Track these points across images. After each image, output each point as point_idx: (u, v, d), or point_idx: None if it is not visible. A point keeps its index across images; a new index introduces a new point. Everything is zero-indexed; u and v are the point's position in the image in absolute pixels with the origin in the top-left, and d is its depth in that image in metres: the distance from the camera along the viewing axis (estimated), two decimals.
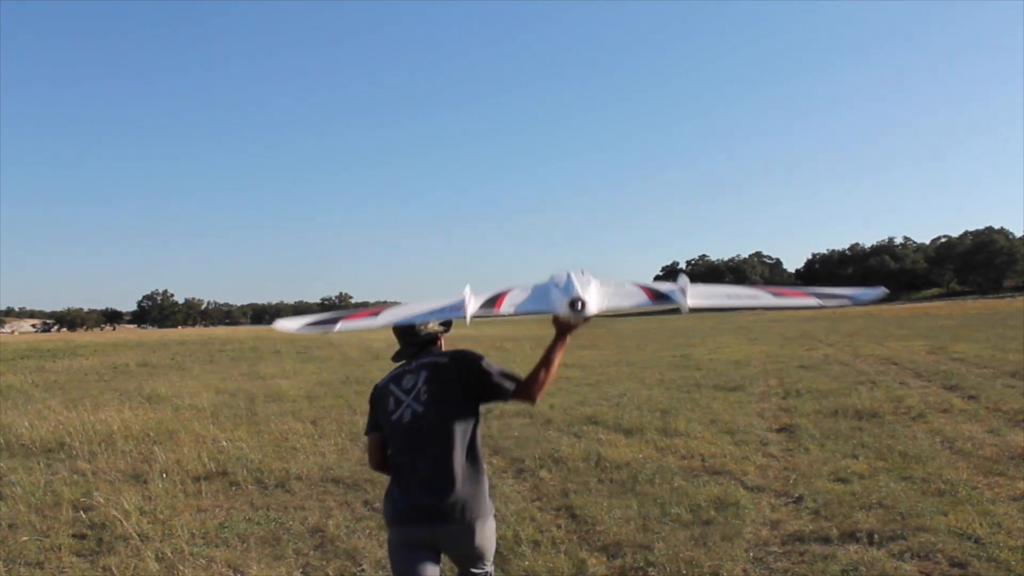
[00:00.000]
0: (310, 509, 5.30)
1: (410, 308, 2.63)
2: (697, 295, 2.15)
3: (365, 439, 2.70)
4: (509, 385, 2.49)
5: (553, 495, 5.43)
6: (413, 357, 2.62)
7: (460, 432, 2.45)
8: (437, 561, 2.50)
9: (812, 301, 2.21)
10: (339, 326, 2.53)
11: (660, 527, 4.58)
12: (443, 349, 2.67)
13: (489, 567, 2.57)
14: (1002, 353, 14.73)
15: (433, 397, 2.46)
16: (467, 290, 2.34)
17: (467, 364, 2.52)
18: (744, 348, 21.00)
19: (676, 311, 2.16)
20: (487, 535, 2.49)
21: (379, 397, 2.60)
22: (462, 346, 2.62)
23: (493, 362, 2.56)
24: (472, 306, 2.25)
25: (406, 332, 2.63)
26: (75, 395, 12.99)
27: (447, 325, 2.67)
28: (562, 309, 2.15)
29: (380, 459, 2.63)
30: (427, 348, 2.64)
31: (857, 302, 2.10)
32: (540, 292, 2.32)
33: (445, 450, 2.42)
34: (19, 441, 8.00)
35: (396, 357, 2.69)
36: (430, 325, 2.61)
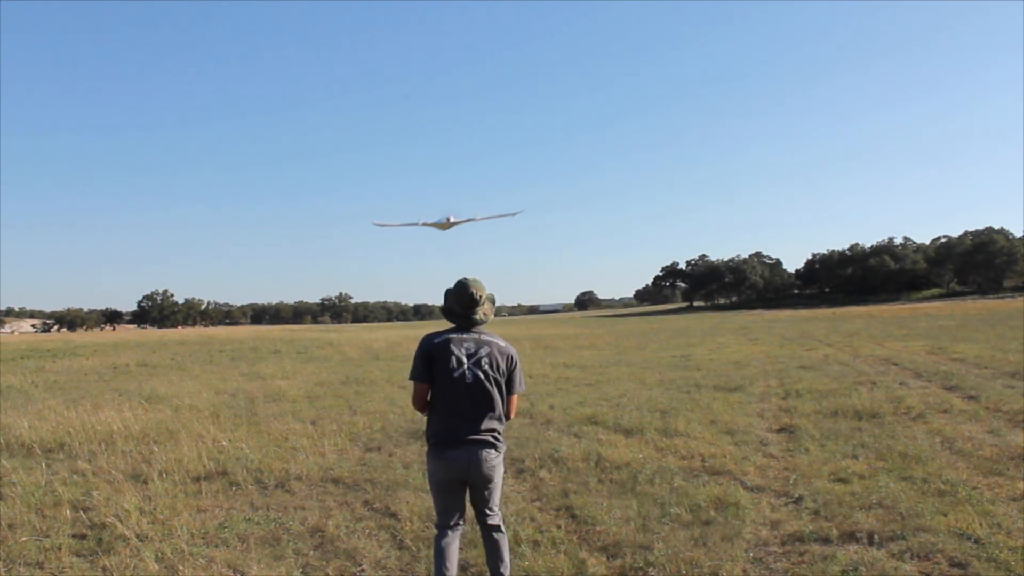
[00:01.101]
0: (310, 509, 5.29)
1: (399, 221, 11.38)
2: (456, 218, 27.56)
3: (410, 384, 3.51)
4: (515, 391, 3.52)
5: (553, 495, 5.43)
6: (466, 330, 3.45)
7: (501, 399, 3.43)
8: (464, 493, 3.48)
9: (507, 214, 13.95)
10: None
11: (660, 527, 4.58)
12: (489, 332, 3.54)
13: (498, 503, 3.52)
14: (1002, 353, 14.73)
15: (491, 371, 3.37)
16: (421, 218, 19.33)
17: (515, 362, 3.49)
18: (744, 348, 21.00)
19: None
20: (499, 468, 3.45)
21: (438, 351, 3.37)
22: None
23: (522, 371, 3.56)
24: (422, 223, 22.40)
25: (471, 306, 3.42)
26: (75, 395, 12.99)
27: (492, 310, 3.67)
28: (443, 219, 25.21)
29: (424, 403, 3.46)
30: (477, 327, 3.47)
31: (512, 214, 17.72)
32: (437, 219, 26.89)
33: (490, 407, 3.37)
34: (19, 441, 7.98)
35: (451, 319, 3.49)
36: (487, 308, 3.51)
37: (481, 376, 3.33)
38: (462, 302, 3.41)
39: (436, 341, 3.38)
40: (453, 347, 3.36)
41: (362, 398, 11.48)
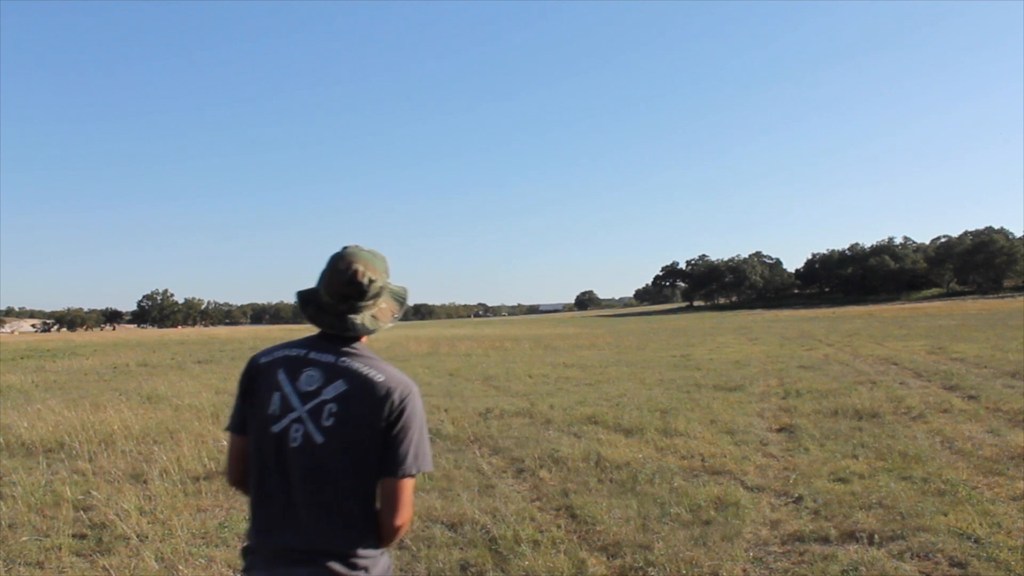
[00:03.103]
0: None
1: None
2: None
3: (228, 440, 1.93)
4: (401, 473, 1.73)
5: (553, 495, 5.42)
6: (323, 346, 1.82)
7: (361, 484, 1.74)
8: None
9: None
10: None
11: (660, 527, 4.57)
12: (369, 349, 1.86)
13: None
14: (1002, 353, 14.74)
15: (343, 426, 1.72)
16: None
17: (403, 412, 1.75)
18: (744, 348, 21.00)
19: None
20: None
21: (256, 380, 1.83)
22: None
23: (425, 431, 1.82)
24: None
25: (350, 298, 1.77)
26: (75, 395, 12.98)
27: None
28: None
29: (241, 473, 1.87)
30: (351, 341, 1.84)
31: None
32: None
33: (326, 498, 1.72)
34: (19, 441, 7.98)
35: (313, 318, 1.83)
36: (383, 308, 1.86)
37: (318, 437, 1.71)
38: (334, 288, 1.76)
39: (262, 361, 1.84)
40: (282, 376, 1.78)
41: None
